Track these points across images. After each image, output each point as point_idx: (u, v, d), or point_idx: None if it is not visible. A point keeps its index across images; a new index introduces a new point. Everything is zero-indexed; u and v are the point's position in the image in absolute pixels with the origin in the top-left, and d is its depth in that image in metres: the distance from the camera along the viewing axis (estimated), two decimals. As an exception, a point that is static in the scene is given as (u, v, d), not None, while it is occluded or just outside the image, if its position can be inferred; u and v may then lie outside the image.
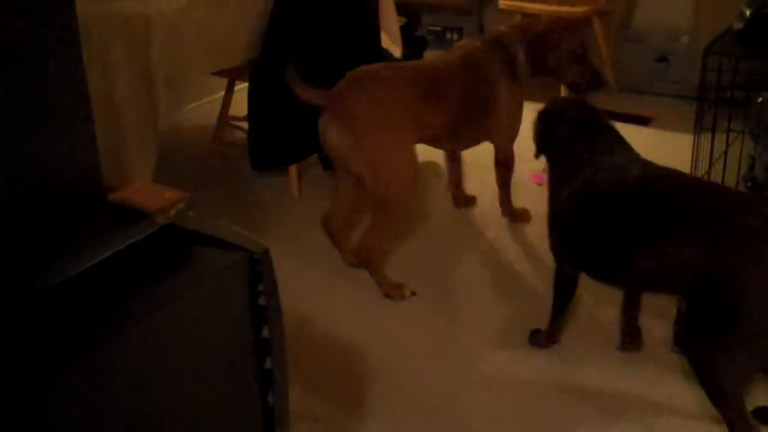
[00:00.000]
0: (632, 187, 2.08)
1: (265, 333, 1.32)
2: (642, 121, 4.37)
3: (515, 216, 3.22)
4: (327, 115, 2.62)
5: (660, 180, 2.07)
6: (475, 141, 3.10)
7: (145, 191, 1.34)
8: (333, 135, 2.59)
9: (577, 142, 2.25)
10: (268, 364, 1.34)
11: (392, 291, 2.73)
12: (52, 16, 1.20)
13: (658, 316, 2.54)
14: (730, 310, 1.82)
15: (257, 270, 1.26)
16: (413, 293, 2.74)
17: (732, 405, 1.90)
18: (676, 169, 2.12)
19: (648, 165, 2.15)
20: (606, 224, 2.09)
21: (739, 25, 2.62)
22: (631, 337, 2.44)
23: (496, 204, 3.24)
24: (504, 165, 3.10)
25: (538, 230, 3.05)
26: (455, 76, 2.82)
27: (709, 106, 2.55)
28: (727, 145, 2.74)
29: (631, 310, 2.43)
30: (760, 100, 3.11)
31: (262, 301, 1.30)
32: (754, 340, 1.82)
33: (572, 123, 2.29)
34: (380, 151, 2.59)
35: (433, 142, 2.99)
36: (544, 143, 2.38)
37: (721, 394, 1.90)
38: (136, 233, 1.23)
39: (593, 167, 2.17)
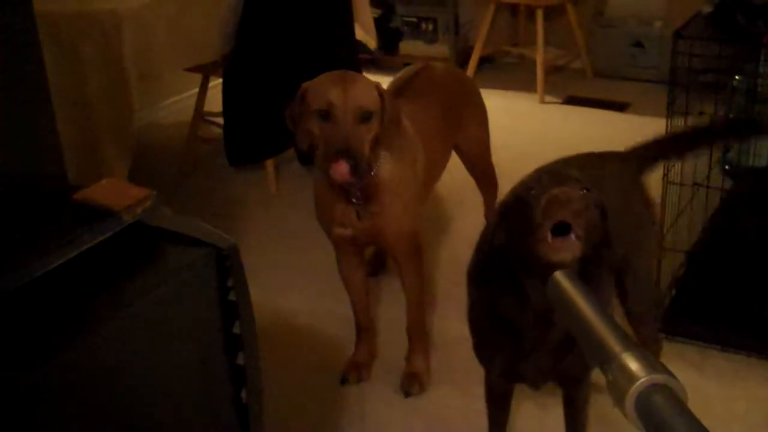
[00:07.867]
0: None
1: (236, 329, 1.31)
2: (618, 107, 4.38)
3: None
4: None
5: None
6: None
7: (111, 189, 1.32)
8: None
9: None
10: (240, 360, 1.34)
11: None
12: (8, 15, 1.19)
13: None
14: None
15: (225, 266, 1.26)
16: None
17: None
18: None
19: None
20: None
21: (708, 9, 2.63)
22: None
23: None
24: None
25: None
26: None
27: (681, 90, 2.55)
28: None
29: None
30: (735, 83, 3.13)
31: (232, 296, 1.29)
32: None
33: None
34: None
35: None
36: None
37: None
38: (102, 232, 1.22)
39: None
